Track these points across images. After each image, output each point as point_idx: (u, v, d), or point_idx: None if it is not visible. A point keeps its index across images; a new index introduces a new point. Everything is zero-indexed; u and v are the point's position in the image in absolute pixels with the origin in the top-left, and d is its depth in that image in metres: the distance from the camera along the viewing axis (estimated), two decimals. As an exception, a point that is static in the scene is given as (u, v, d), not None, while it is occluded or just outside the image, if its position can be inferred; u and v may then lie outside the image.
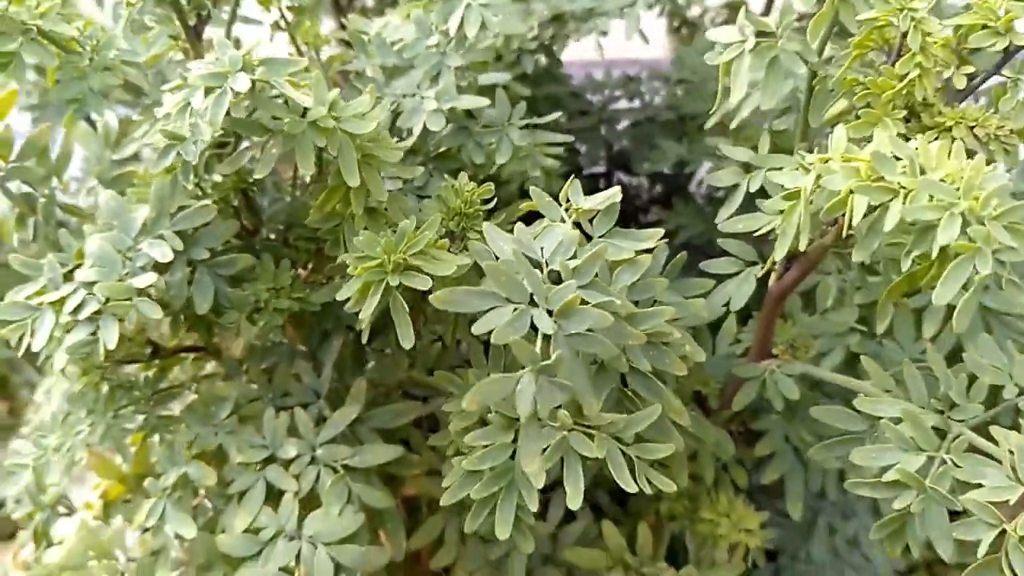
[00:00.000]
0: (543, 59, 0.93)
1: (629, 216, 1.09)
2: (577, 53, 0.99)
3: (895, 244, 0.45)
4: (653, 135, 0.97)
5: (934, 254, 0.39)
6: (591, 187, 1.04)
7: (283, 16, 0.68)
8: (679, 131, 0.95)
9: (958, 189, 0.39)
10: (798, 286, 0.57)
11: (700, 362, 0.62)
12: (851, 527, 0.86)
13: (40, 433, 0.69)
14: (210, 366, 0.71)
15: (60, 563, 0.66)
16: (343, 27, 0.92)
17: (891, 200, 0.40)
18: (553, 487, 0.72)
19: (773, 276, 0.58)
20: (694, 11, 1.17)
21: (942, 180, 0.40)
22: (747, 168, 0.58)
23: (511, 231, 0.51)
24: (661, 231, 0.54)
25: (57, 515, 0.70)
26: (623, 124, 1.01)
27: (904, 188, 0.40)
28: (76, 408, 0.64)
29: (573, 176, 0.56)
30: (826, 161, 0.44)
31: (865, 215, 0.41)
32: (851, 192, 0.41)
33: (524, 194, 0.69)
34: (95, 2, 0.67)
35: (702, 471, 0.64)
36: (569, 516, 0.73)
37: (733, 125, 0.64)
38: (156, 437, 0.63)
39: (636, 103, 1.01)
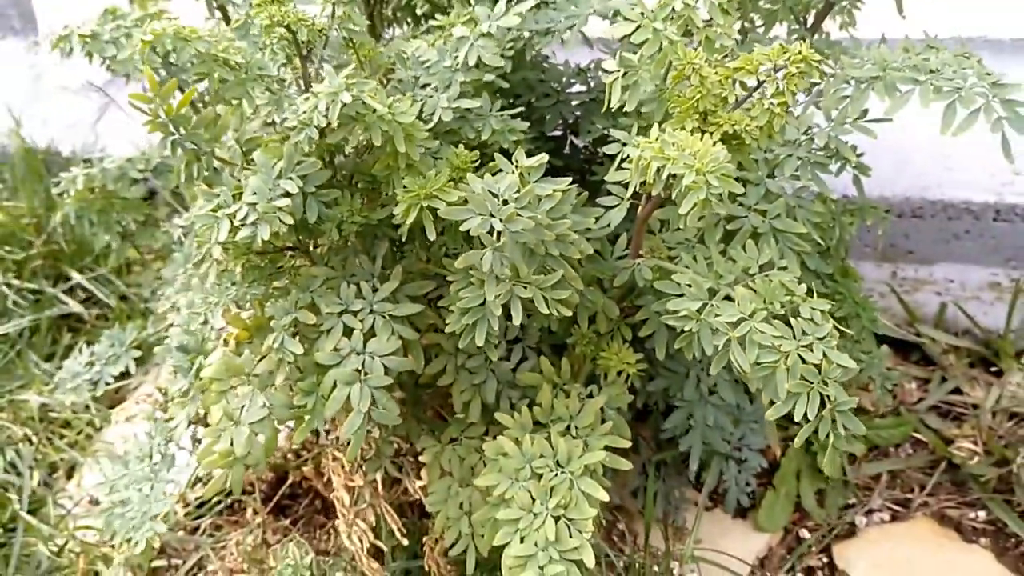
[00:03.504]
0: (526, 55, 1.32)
1: (583, 168, 1.50)
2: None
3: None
4: (593, 111, 1.37)
5: (682, 190, 0.80)
6: (556, 146, 1.45)
7: (350, 39, 1.07)
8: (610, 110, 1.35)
9: (695, 158, 0.80)
10: (653, 213, 0.99)
11: (600, 259, 1.05)
12: (712, 378, 1.30)
13: (196, 300, 1.12)
14: (300, 261, 1.12)
15: (210, 376, 1.08)
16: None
17: (666, 163, 0.81)
18: (513, 343, 1.15)
19: (640, 208, 1.00)
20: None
21: (690, 154, 0.80)
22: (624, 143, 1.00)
23: (482, 177, 0.92)
24: (569, 179, 0.95)
25: (206, 353, 1.13)
26: (575, 103, 1.42)
27: (672, 158, 0.81)
28: (224, 281, 1.06)
29: (518, 143, 0.97)
30: (648, 143, 0.85)
31: (657, 171, 0.82)
32: (649, 160, 0.82)
33: (503, 152, 1.10)
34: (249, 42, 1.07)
35: (600, 326, 1.07)
36: (523, 360, 1.15)
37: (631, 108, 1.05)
38: (272, 300, 1.05)
39: (584, 88, 1.42)
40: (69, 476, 1.74)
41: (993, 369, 1.77)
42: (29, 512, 1.61)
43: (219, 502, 1.58)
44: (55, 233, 2.13)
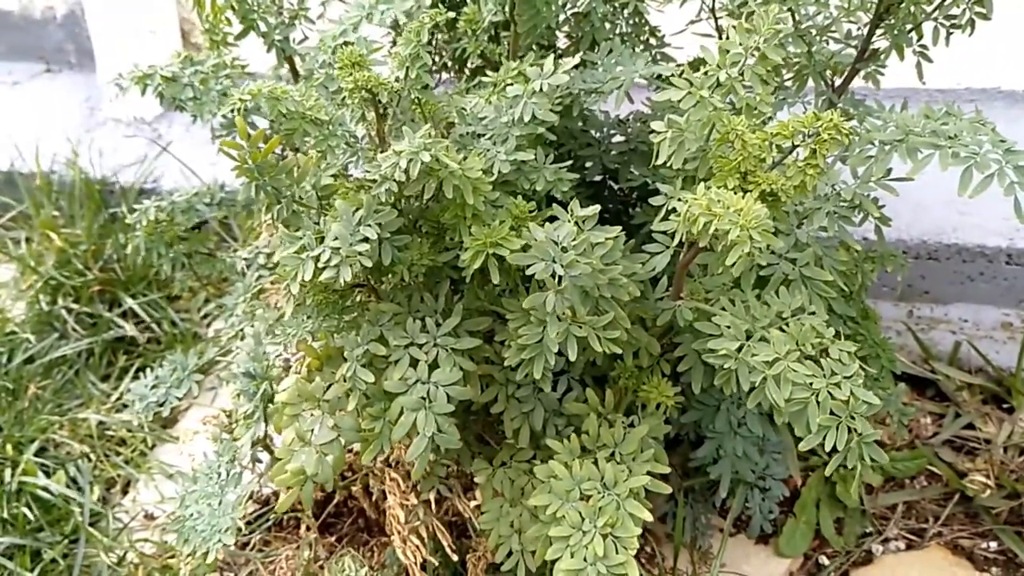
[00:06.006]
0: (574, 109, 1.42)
1: (620, 211, 1.60)
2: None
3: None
4: (632, 161, 1.47)
5: (728, 243, 0.89)
6: (597, 190, 1.55)
7: (418, 97, 1.17)
8: (649, 159, 1.45)
9: (739, 215, 0.90)
10: (694, 260, 1.09)
11: (643, 300, 1.15)
12: (741, 411, 1.39)
13: (261, 329, 1.22)
14: (367, 297, 1.22)
15: (284, 400, 1.19)
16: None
17: (713, 219, 0.91)
18: (559, 374, 1.25)
19: (682, 254, 1.09)
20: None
21: (735, 211, 0.90)
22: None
23: (542, 224, 1.02)
24: (619, 228, 1.05)
25: (278, 379, 1.23)
26: (615, 152, 1.52)
27: (719, 214, 0.91)
28: (300, 314, 1.16)
29: (567, 192, 1.08)
30: (695, 199, 0.95)
31: (705, 225, 0.92)
32: (697, 215, 0.92)
33: (552, 199, 1.21)
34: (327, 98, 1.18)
35: (642, 362, 1.16)
36: (568, 390, 1.25)
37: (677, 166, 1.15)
38: (344, 333, 1.15)
39: (623, 138, 1.52)
40: (124, 492, 1.84)
41: (1005, 406, 1.85)
42: (89, 525, 1.71)
43: (268, 519, 1.68)
44: (110, 260, 2.25)
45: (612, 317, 1.01)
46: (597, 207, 1.05)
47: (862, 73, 1.34)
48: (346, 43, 1.25)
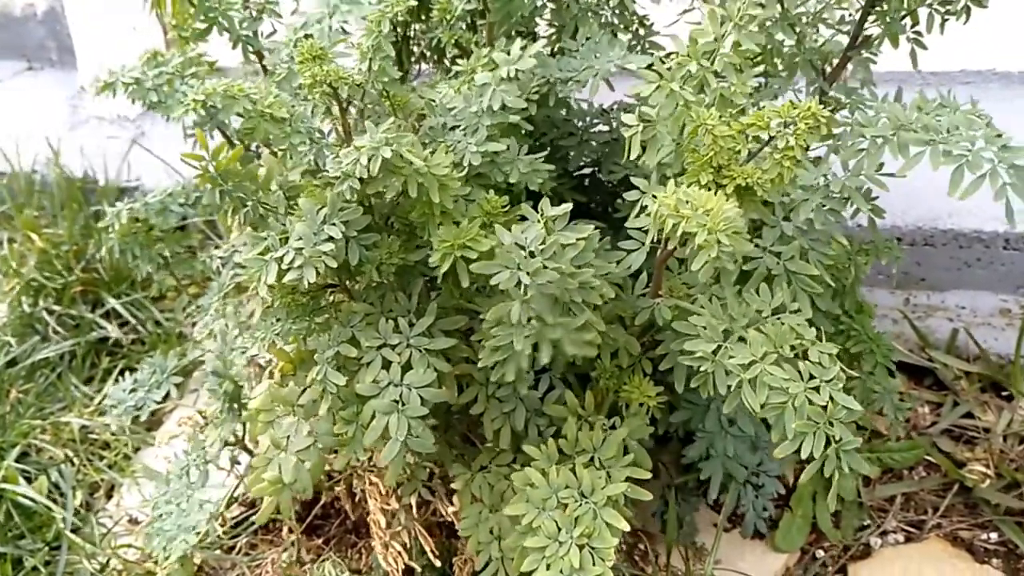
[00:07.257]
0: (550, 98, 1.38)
1: (607, 202, 1.55)
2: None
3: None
4: (616, 151, 1.43)
5: (696, 246, 0.85)
6: (580, 181, 1.51)
7: (385, 90, 1.13)
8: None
9: (707, 216, 0.86)
10: (671, 256, 1.05)
11: (621, 299, 1.11)
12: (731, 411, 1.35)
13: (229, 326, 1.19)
14: (339, 297, 1.19)
15: (257, 407, 1.15)
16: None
17: (680, 221, 0.87)
18: (541, 373, 1.21)
19: (659, 251, 1.06)
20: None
21: (703, 212, 0.86)
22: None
23: (516, 221, 0.99)
24: (592, 226, 1.01)
25: (250, 378, 1.20)
26: (598, 142, 1.48)
27: (686, 216, 0.87)
28: (270, 317, 1.12)
29: (544, 184, 1.04)
30: (664, 198, 0.91)
31: (673, 227, 0.88)
32: (665, 216, 0.88)
33: (530, 193, 1.17)
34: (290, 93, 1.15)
35: (621, 361, 1.13)
36: (550, 388, 1.21)
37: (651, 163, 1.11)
38: (315, 335, 1.12)
39: (607, 128, 1.48)
40: (109, 496, 1.81)
41: (1004, 394, 1.82)
42: (72, 531, 1.68)
43: (254, 522, 1.65)
44: (93, 260, 2.22)
45: (585, 320, 0.97)
46: (568, 205, 1.01)
47: (854, 61, 1.29)
48: (307, 36, 1.21)
